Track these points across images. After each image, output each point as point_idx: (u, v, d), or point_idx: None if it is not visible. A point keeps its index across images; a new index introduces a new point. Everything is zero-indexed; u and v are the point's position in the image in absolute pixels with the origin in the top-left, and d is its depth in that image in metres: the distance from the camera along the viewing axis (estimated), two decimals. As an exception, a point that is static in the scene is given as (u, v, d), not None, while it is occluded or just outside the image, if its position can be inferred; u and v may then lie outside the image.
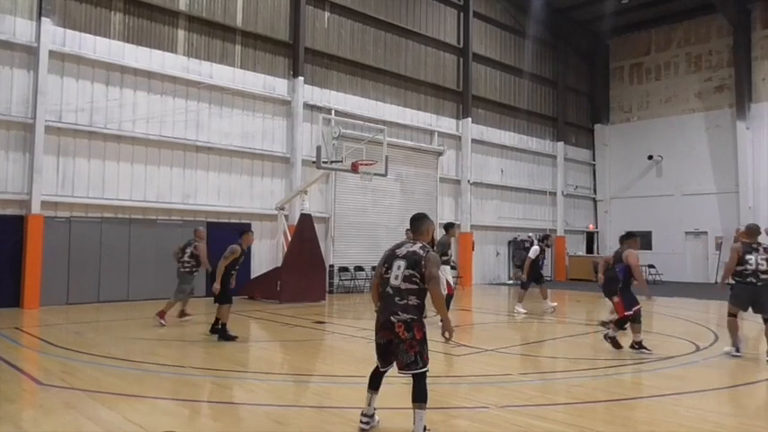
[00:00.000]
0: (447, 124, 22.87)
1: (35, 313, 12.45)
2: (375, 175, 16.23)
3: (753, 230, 8.71)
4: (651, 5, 26.00)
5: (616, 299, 8.97)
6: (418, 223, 5.16)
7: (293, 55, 18.06)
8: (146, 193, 15.19)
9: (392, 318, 4.75)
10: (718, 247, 24.35)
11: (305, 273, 15.27)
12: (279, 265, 16.03)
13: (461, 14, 23.51)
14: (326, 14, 19.17)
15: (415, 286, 4.76)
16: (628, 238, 9.28)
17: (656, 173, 28.03)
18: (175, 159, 15.76)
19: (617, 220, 29.29)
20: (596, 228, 29.79)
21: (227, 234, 16.45)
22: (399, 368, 4.81)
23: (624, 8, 25.60)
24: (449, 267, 11.59)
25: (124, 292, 14.57)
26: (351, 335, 10.61)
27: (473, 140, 23.47)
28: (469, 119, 23.26)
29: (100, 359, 7.69)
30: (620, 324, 8.87)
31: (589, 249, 29.30)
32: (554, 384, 7.07)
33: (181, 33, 15.97)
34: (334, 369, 8.02)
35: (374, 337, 4.96)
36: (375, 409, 5.00)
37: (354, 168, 15.61)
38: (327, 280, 17.33)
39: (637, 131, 28.67)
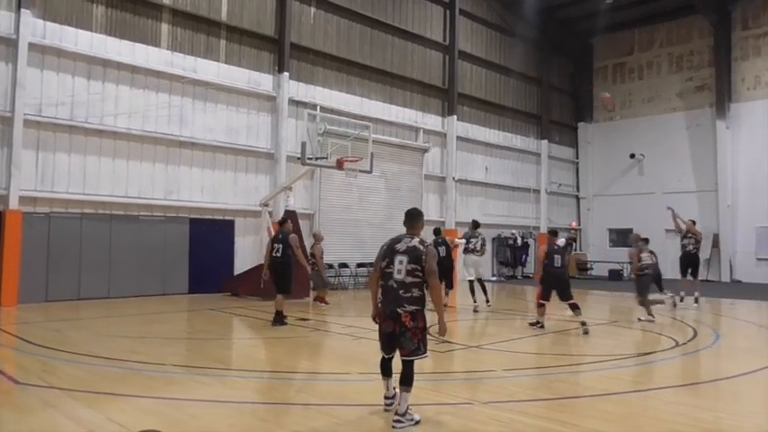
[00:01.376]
0: (432, 121, 22.90)
1: (13, 311, 12.26)
2: (360, 171, 16.19)
3: (637, 238, 12.46)
4: (634, 6, 26.23)
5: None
6: (415, 220, 5.44)
7: (279, 50, 17.96)
8: (127, 189, 15.02)
9: (398, 309, 5.07)
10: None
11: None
12: (263, 261, 15.92)
13: (447, 12, 23.53)
14: (312, 10, 19.09)
15: (417, 279, 5.08)
16: (555, 234, 11.48)
17: (638, 171, 28.33)
18: (158, 155, 15.60)
19: (599, 218, 29.57)
20: (579, 225, 30.04)
21: (210, 230, 16.43)
22: (403, 355, 5.11)
23: (608, 8, 25.79)
24: (474, 256, 13.98)
25: (105, 289, 14.39)
26: (335, 332, 10.60)
27: (458, 138, 23.53)
28: (455, 116, 23.31)
29: (80, 357, 7.60)
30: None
31: (572, 247, 29.52)
32: (536, 380, 7.12)
33: (164, 27, 15.80)
34: (319, 366, 8.01)
35: (378, 327, 5.29)
36: (395, 389, 5.22)
37: (339, 165, 15.57)
38: (311, 277, 17.27)
39: (619, 130, 28.95)
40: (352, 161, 15.75)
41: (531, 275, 26.45)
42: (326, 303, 13.98)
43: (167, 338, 9.54)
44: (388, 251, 5.24)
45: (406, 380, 5.02)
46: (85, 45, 14.35)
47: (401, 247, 5.19)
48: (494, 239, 25.47)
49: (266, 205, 17.02)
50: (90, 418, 5.12)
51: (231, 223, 16.94)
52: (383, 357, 5.27)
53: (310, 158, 15.17)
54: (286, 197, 16.24)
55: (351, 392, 6.40)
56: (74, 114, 14.15)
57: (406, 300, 5.06)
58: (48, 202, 13.84)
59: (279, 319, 10.64)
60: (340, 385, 6.71)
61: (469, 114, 24.54)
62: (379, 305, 5.25)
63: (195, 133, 16.21)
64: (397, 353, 5.19)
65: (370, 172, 16.69)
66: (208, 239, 16.23)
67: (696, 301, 14.09)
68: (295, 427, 5.03)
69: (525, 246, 25.85)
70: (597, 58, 29.98)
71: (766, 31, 24.75)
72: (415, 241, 5.22)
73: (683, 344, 9.38)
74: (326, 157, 15.57)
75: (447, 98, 23.34)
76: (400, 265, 5.11)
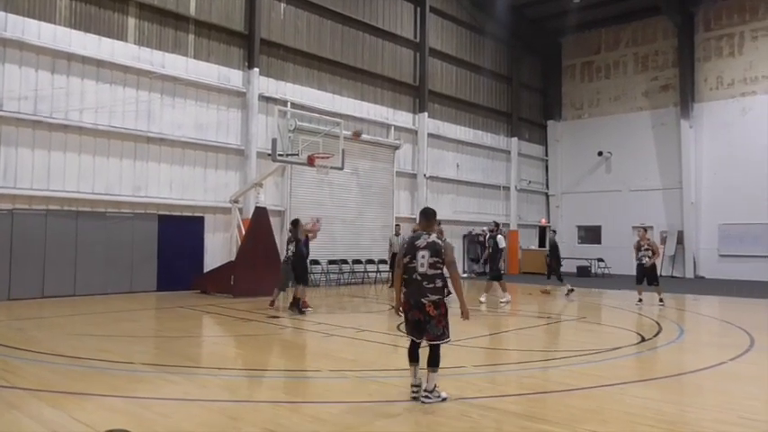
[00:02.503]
0: (403, 118, 22.94)
1: (-25, 309, 11.93)
2: (331, 168, 16.15)
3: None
4: (601, 6, 26.65)
5: None
6: (430, 219, 6.11)
7: (248, 46, 17.78)
8: (94, 185, 14.73)
9: (422, 299, 5.60)
10: (663, 240, 25.23)
11: (259, 267, 15.07)
12: (232, 258, 15.82)
13: (418, 9, 23.58)
14: (282, 5, 18.94)
15: (438, 271, 5.65)
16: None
17: (605, 169, 28.82)
18: (125, 150, 15.33)
19: (568, 215, 30.02)
20: (548, 222, 30.43)
21: (180, 227, 16.21)
22: (429, 340, 5.64)
23: (576, 8, 26.16)
24: None
25: (70, 286, 14.11)
26: (305, 329, 10.56)
27: (429, 135, 23.62)
28: (426, 113, 23.39)
29: (44, 356, 7.44)
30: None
31: (541, 243, 29.90)
32: (506, 376, 7.20)
33: (131, 21, 15.51)
34: (289, 363, 7.98)
35: (404, 316, 5.81)
36: (420, 378, 5.65)
37: (310, 162, 15.51)
38: (282, 274, 17.19)
39: (587, 128, 29.41)
40: (323, 158, 15.69)
41: (502, 271, 26.77)
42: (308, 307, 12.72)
43: (135, 337, 9.40)
44: (410, 248, 5.77)
45: (433, 362, 5.55)
46: (49, 38, 14.01)
47: (421, 243, 5.72)
48: (464, 236, 25.65)
49: (236, 202, 16.88)
50: (55, 419, 5.02)
51: (201, 220, 16.75)
52: (412, 342, 5.75)
53: (281, 155, 15.08)
54: (256, 194, 16.11)
55: (322, 389, 6.39)
56: (37, 109, 13.82)
57: (429, 290, 5.59)
58: (10, 199, 13.49)
59: (297, 305, 12.05)
60: (311, 382, 6.70)
61: (440, 112, 24.66)
62: (403, 296, 5.78)
63: (164, 129, 15.96)
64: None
65: (341, 169, 16.66)
66: (177, 236, 16.02)
67: (661, 300, 14.16)
68: (265, 424, 5.01)
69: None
70: (566, 56, 30.39)
71: (728, 33, 25.39)
72: (433, 237, 5.75)
73: (649, 339, 9.59)
74: (297, 154, 15.48)
75: (418, 95, 23.41)
76: (422, 259, 5.64)
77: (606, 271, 25.29)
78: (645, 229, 14.92)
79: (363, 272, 20.08)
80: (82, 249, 14.34)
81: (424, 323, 5.60)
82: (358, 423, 5.02)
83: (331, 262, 19.55)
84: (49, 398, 5.60)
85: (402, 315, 5.86)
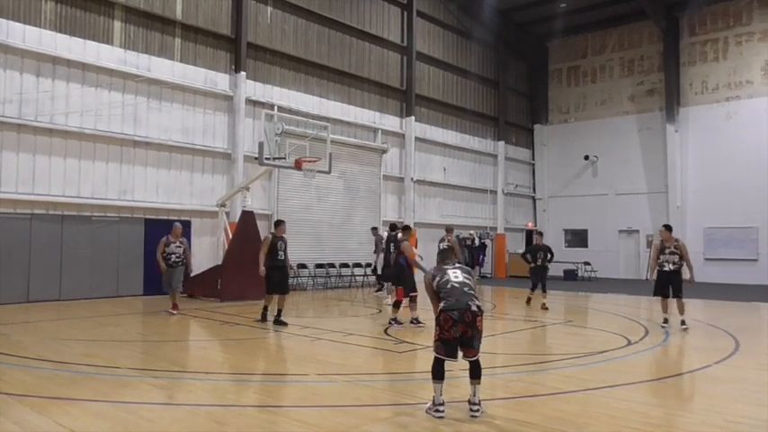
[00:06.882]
0: (391, 122, 22.98)
1: (-42, 315, 11.78)
2: (319, 172, 16.14)
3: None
4: (587, 10, 26.88)
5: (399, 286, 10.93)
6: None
7: (235, 50, 17.75)
8: (80, 189, 14.62)
9: (472, 307, 5.29)
10: (649, 244, 25.42)
11: (246, 271, 14.98)
12: (220, 262, 15.74)
13: (405, 13, 23.65)
14: (269, 9, 18.93)
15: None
16: (407, 229, 11.39)
17: (591, 173, 29.03)
18: (111, 154, 15.23)
19: (555, 219, 30.19)
20: (535, 226, 30.58)
21: (166, 231, 16.04)
22: (472, 356, 5.35)
23: (562, 12, 26.38)
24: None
25: (56, 291, 13.99)
26: (293, 333, 10.53)
27: (416, 139, 23.68)
28: (413, 117, 23.45)
29: (29, 361, 7.37)
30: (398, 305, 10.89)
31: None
32: (493, 380, 7.21)
33: (117, 24, 15.43)
34: (276, 368, 7.96)
35: (442, 334, 5.34)
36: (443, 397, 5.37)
37: (298, 165, 15.48)
38: (270, 278, 17.11)
39: (574, 132, 29.62)
40: (310, 161, 15.68)
41: (489, 275, 26.92)
42: (177, 311, 12.48)
43: (121, 341, 9.32)
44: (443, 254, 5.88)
45: (478, 373, 5.37)
46: (34, 41, 13.91)
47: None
48: (452, 240, 25.67)
49: (223, 206, 16.81)
50: (39, 424, 4.98)
51: (187, 224, 16.63)
52: (441, 361, 5.37)
53: (268, 159, 15.04)
54: (243, 197, 16.07)
55: (309, 394, 6.38)
56: (22, 112, 13.70)
57: (473, 296, 5.39)
58: (-6, 203, 13.37)
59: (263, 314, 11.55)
60: (297, 387, 6.69)
61: (428, 115, 24.73)
62: (443, 310, 5.33)
63: (150, 133, 15.88)
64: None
65: (328, 172, 16.65)
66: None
67: (683, 322, 11.37)
68: (252, 429, 4.99)
69: (483, 246, 26.18)
70: (552, 60, 30.61)
71: (712, 38, 25.71)
72: (457, 263, 5.79)
73: (635, 342, 9.66)
74: (284, 158, 15.46)
75: (405, 99, 23.47)
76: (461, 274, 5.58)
77: (593, 274, 25.45)
78: (668, 228, 12.44)
79: (350, 275, 20.06)
80: (67, 253, 14.23)
81: (471, 339, 5.30)
82: (345, 427, 5.02)
83: (318, 266, 19.52)
84: (34, 403, 5.54)
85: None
